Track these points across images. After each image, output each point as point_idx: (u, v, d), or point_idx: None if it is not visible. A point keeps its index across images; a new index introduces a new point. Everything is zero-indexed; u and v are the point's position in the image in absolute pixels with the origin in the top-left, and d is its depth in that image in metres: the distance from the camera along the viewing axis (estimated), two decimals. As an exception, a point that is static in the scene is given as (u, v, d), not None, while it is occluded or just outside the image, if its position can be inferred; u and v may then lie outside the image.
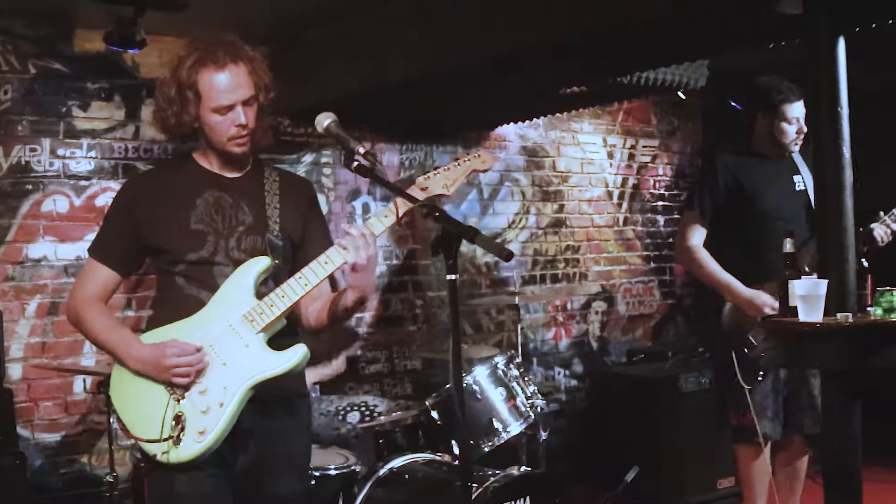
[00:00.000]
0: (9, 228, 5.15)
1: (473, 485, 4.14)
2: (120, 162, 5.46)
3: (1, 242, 5.13)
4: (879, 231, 4.45)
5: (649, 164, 8.09)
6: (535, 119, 7.05)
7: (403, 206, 2.86)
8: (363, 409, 5.09)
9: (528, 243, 7.29)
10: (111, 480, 4.67)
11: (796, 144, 4.66)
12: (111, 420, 4.66)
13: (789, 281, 3.89)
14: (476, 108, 6.17)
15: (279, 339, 2.92)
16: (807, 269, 4.08)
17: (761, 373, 4.50)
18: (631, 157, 7.96)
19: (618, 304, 7.82)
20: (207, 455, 2.84)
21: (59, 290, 5.24)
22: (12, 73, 5.16)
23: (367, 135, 6.38)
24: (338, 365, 5.42)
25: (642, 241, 8.02)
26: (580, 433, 7.20)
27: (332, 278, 3.06)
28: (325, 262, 2.88)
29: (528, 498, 4.30)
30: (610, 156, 7.83)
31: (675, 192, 8.19)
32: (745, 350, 4.52)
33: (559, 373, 7.41)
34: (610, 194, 7.82)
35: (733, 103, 7.19)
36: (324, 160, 6.25)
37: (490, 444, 4.62)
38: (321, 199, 5.92)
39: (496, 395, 4.72)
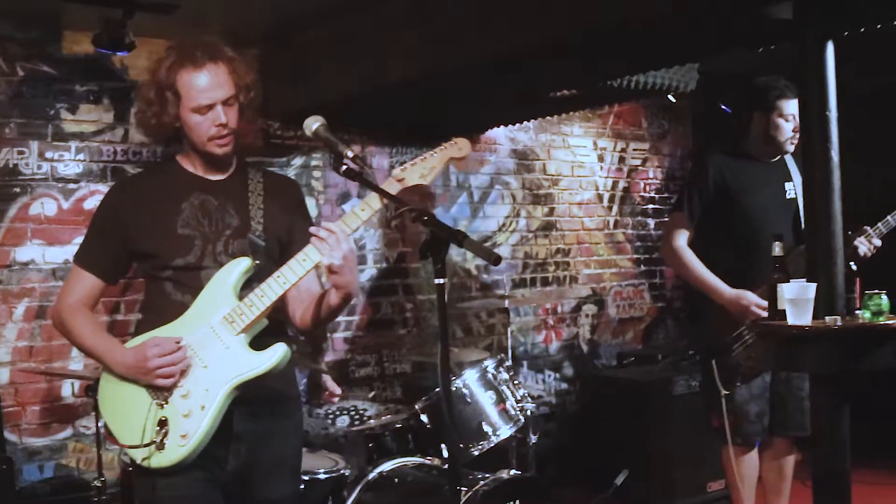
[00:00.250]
0: (-4, 231, 5.14)
1: (463, 488, 4.13)
2: (108, 165, 5.44)
3: (-11, 246, 5.11)
4: (864, 248, 4.48)
5: (639, 168, 8.10)
6: (525, 122, 7.05)
7: (378, 201, 2.83)
8: (352, 412, 5.08)
9: (519, 246, 7.28)
10: (99, 485, 4.65)
11: (791, 144, 4.65)
12: (99, 424, 4.64)
13: (778, 284, 3.89)
14: (468, 110, 6.16)
15: (264, 340, 2.91)
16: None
17: (739, 380, 4.52)
18: (621, 160, 7.97)
19: (608, 307, 7.83)
20: (191, 459, 2.83)
21: (47, 294, 5.22)
22: (0, 76, 5.14)
23: (358, 138, 6.37)
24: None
25: (632, 244, 8.03)
26: (570, 436, 7.20)
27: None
28: (304, 260, 2.85)
29: (517, 501, 4.29)
30: (600, 159, 7.83)
31: (665, 195, 8.20)
32: (726, 356, 4.54)
33: (549, 376, 7.40)
34: (600, 197, 7.82)
35: (723, 106, 7.22)
36: (314, 163, 6.24)
37: (480, 447, 4.61)
38: (311, 202, 5.94)
39: (486, 399, 4.71)
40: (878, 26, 4.09)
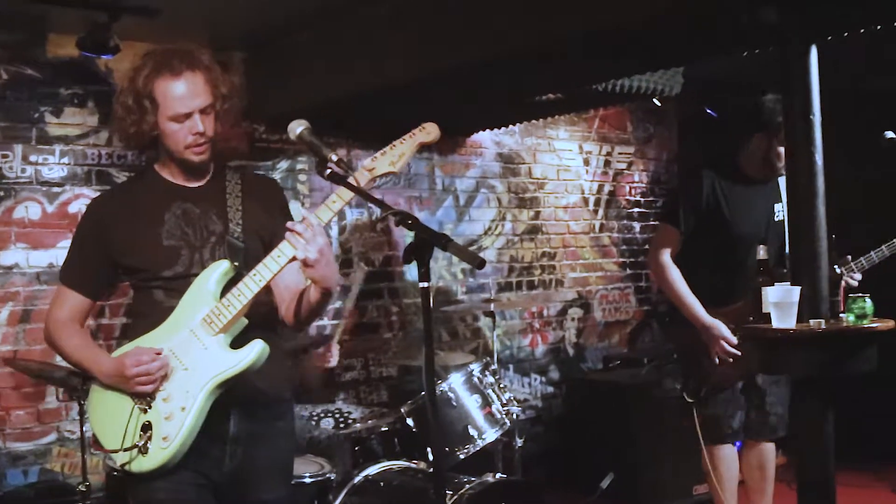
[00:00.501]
0: (-20, 235, 5.11)
1: (449, 492, 4.14)
2: (93, 168, 5.42)
3: (-28, 249, 5.09)
4: (847, 280, 4.50)
5: (625, 171, 8.11)
6: (511, 126, 7.06)
7: (347, 192, 2.82)
8: (336, 415, 5.08)
9: (504, 250, 7.29)
10: (84, 489, 4.63)
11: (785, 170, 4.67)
12: (84, 429, 4.62)
13: (763, 287, 3.91)
14: (453, 113, 6.16)
15: (247, 339, 2.90)
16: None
17: (703, 391, 4.56)
18: (607, 163, 7.98)
19: (594, 310, 7.83)
20: (174, 462, 2.84)
21: (32, 298, 5.20)
22: (-16, 79, 5.13)
23: (343, 141, 6.36)
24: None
25: (618, 247, 8.04)
26: (556, 440, 7.19)
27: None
28: (278, 256, 2.83)
29: (503, 505, 4.30)
30: (586, 162, 7.84)
31: (650, 198, 8.22)
32: (695, 364, 4.57)
33: (535, 379, 7.41)
34: (586, 201, 7.83)
35: (709, 111, 7.25)
36: (299, 167, 6.23)
37: (465, 451, 4.61)
38: (296, 205, 5.94)
39: (471, 403, 4.71)
40: (862, 31, 4.11)
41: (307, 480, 4.36)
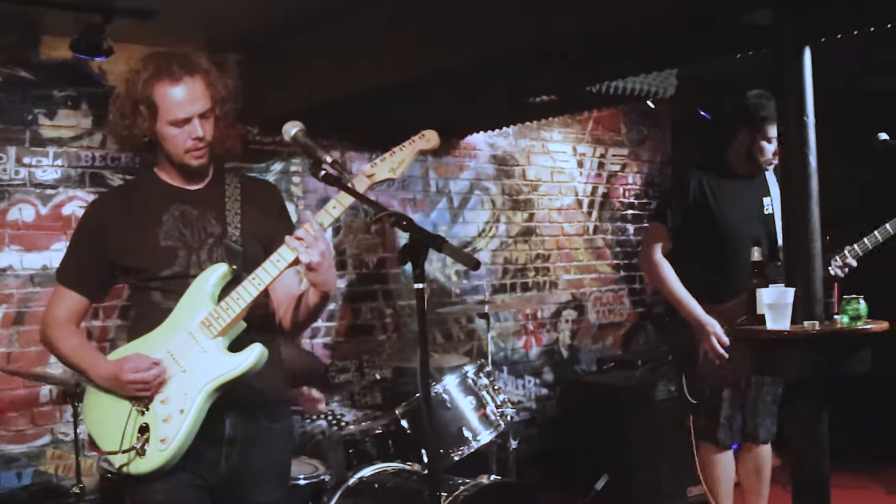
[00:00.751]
0: (-26, 237, 5.10)
1: (443, 494, 4.13)
2: (87, 170, 5.41)
3: (-34, 252, 5.08)
4: (835, 270, 4.51)
5: (619, 173, 8.12)
6: (505, 127, 7.06)
7: (348, 198, 2.82)
8: (329, 418, 5.07)
9: (499, 252, 7.29)
10: (78, 492, 4.63)
11: (770, 164, 4.68)
12: (78, 431, 4.61)
13: (757, 289, 3.91)
14: (452, 114, 6.16)
15: (246, 341, 2.90)
16: None
17: (707, 389, 4.55)
18: (601, 165, 7.99)
19: (588, 312, 7.84)
20: (172, 464, 2.85)
21: (25, 300, 5.19)
22: (-23, 81, 5.12)
23: (337, 143, 6.36)
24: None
25: (612, 249, 8.04)
26: (550, 442, 7.20)
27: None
28: (278, 261, 2.85)
29: (497, 506, 4.30)
30: (580, 164, 7.85)
31: (644, 200, 8.22)
32: (694, 364, 4.57)
33: (530, 381, 7.41)
34: (580, 203, 7.84)
35: (703, 112, 7.26)
36: (293, 169, 6.23)
37: (460, 452, 4.61)
38: (290, 207, 5.92)
39: (466, 404, 4.71)
40: (855, 32, 4.12)
41: (301, 482, 4.36)
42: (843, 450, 4.27)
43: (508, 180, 7.37)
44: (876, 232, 4.61)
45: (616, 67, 5.14)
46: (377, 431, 4.79)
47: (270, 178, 6.00)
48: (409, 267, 2.59)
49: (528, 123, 7.10)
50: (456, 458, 4.59)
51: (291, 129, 2.83)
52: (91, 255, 3.05)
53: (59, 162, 5.33)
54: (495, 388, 4.90)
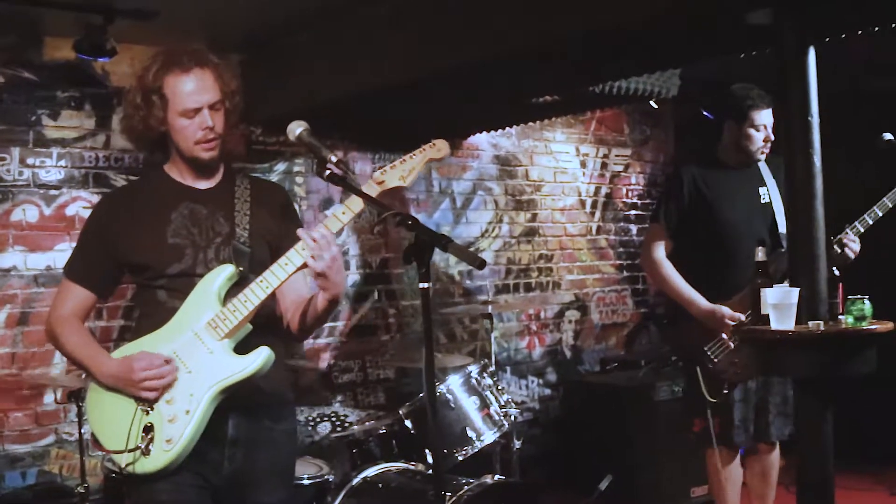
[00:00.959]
0: (-23, 238, 5.10)
1: (447, 493, 4.13)
2: (90, 171, 5.41)
3: (-31, 252, 5.08)
4: (848, 251, 4.49)
5: (622, 174, 8.12)
6: (507, 128, 7.06)
7: (358, 203, 2.84)
8: (333, 419, 5.07)
9: (501, 252, 7.29)
10: (82, 491, 4.63)
11: (762, 153, 4.69)
12: (82, 430, 4.62)
13: (761, 289, 3.91)
14: (453, 114, 6.16)
15: (252, 344, 2.91)
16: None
17: (725, 387, 4.53)
18: (604, 166, 7.99)
19: (591, 312, 7.83)
20: (176, 464, 2.84)
21: (29, 300, 5.19)
22: (-19, 82, 5.12)
23: (340, 143, 6.37)
24: None
25: (615, 249, 8.04)
26: (554, 442, 7.19)
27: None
28: (286, 264, 2.86)
29: (501, 506, 4.29)
30: (583, 165, 7.84)
31: (647, 200, 8.21)
32: (709, 364, 4.55)
33: (533, 381, 7.41)
34: (583, 203, 7.83)
35: (705, 112, 7.25)
36: (296, 169, 6.23)
37: (464, 452, 4.61)
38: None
39: (470, 404, 4.71)
40: (859, 32, 4.11)
41: (305, 482, 4.36)
42: (847, 451, 4.26)
43: (511, 180, 7.37)
44: (875, 207, 4.60)
45: (616, 68, 5.14)
46: (381, 431, 4.79)
47: (274, 178, 6.00)
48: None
49: (530, 124, 7.09)
50: (460, 458, 4.59)
51: (296, 128, 2.83)
52: (99, 250, 3.05)
53: (62, 163, 5.33)
54: (499, 388, 4.90)
